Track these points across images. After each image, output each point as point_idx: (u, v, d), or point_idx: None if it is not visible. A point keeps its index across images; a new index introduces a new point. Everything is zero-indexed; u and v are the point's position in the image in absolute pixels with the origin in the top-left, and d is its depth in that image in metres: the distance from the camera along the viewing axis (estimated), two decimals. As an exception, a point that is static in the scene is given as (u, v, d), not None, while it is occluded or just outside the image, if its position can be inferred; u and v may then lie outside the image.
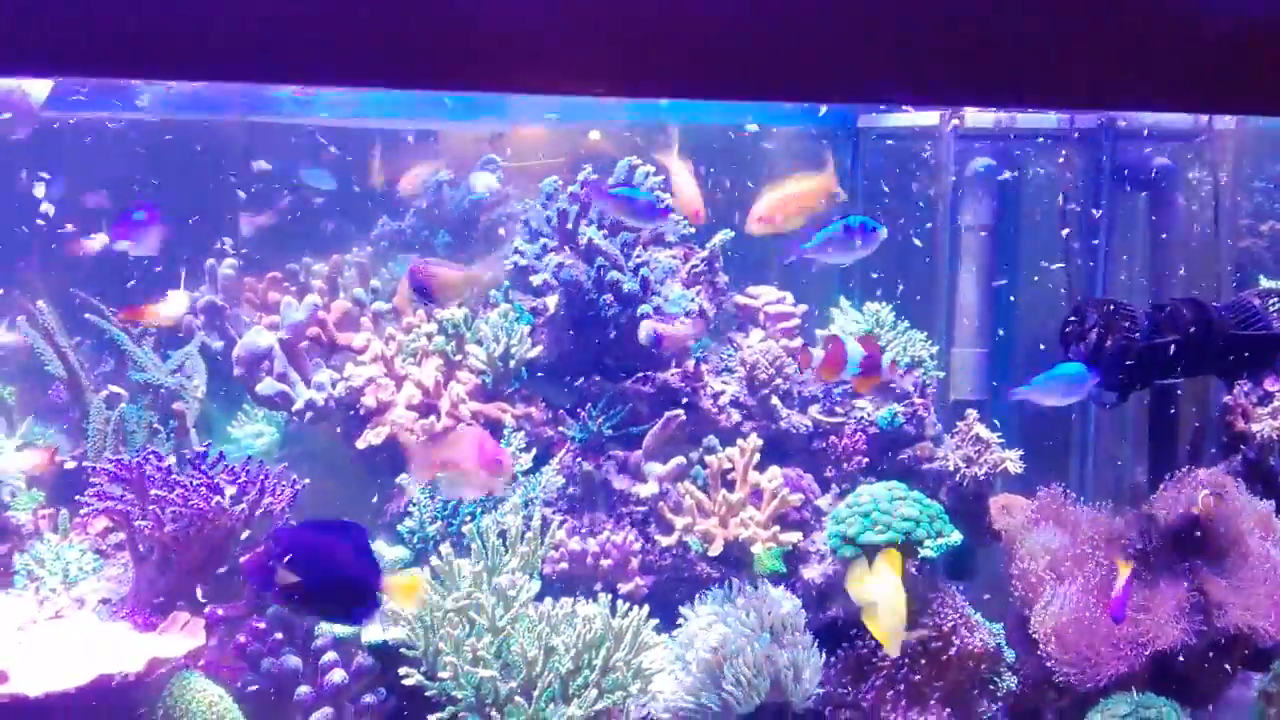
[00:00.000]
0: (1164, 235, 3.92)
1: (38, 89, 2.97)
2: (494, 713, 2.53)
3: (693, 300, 3.40)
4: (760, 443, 3.14)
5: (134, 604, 2.73)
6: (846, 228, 2.87)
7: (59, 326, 3.29)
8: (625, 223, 3.22)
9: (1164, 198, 3.93)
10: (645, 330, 3.18)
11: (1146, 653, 2.91)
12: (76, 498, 2.80)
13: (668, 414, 3.23)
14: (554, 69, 1.57)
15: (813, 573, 3.19)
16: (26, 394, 3.61)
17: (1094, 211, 3.76)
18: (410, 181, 4.22)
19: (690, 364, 3.38)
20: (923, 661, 2.98)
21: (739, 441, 3.14)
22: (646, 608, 2.67)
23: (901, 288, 3.80)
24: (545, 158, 4.28)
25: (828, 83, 1.68)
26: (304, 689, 2.69)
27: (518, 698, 2.53)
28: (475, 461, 2.39)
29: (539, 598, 2.69)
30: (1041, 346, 3.58)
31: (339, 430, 3.29)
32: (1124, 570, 2.84)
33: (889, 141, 4.06)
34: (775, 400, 3.42)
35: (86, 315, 3.38)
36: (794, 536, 3.10)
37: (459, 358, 3.35)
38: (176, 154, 3.93)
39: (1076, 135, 3.79)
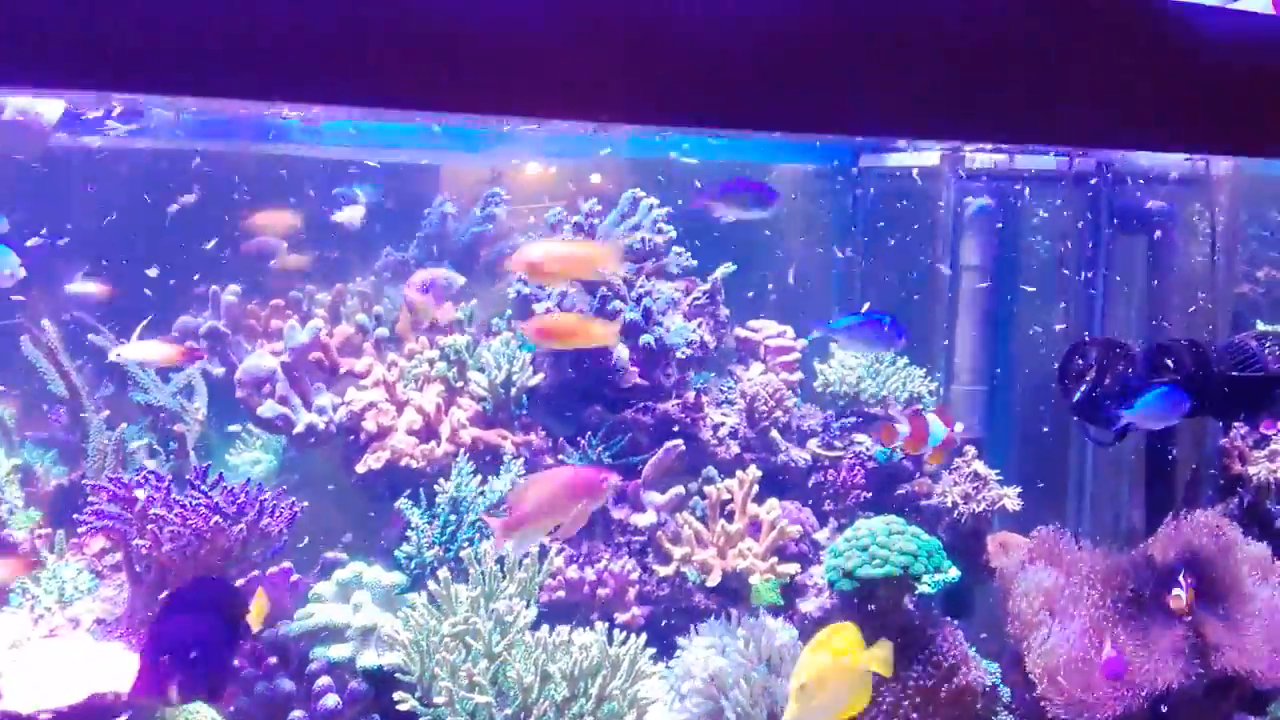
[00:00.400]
0: (1161, 277, 3.96)
1: (50, 110, 3.00)
2: (489, 739, 2.51)
3: (694, 332, 3.42)
4: (759, 474, 3.15)
5: (129, 624, 2.72)
6: (871, 321, 3.04)
7: (61, 346, 3.30)
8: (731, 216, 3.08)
9: (1161, 240, 3.97)
10: None
11: (1143, 695, 2.90)
12: (75, 516, 2.80)
13: (667, 444, 3.24)
14: (557, 93, 1.58)
15: (810, 606, 3.18)
16: (25, 417, 3.61)
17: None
18: (267, 221, 4.07)
19: (690, 395, 3.40)
20: (919, 698, 2.96)
21: (738, 473, 3.15)
22: (644, 636, 2.66)
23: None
24: (546, 197, 4.32)
25: (830, 114, 1.71)
26: (297, 714, 2.67)
27: (513, 725, 2.51)
28: (577, 495, 2.29)
29: (535, 626, 2.68)
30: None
31: (339, 455, 3.29)
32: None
33: (890, 181, 4.11)
34: (775, 433, 3.44)
35: (89, 337, 3.39)
36: (792, 568, 3.10)
37: (460, 384, 3.37)
38: (179, 181, 3.95)
39: (1074, 177, 3.83)
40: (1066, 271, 3.56)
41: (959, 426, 3.39)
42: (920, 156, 3.92)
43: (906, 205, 4.01)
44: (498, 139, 4.22)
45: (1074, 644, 2.98)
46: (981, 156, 3.84)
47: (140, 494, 2.66)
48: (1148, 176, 3.95)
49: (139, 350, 3.13)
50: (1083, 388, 3.00)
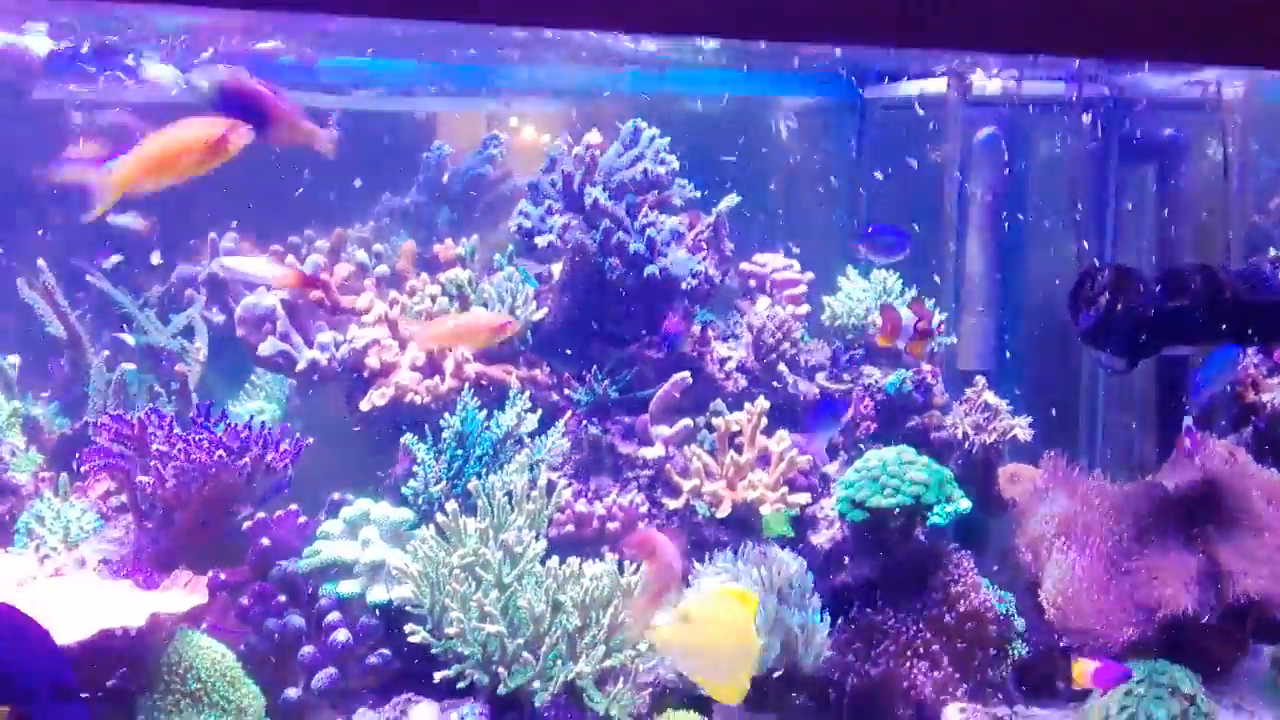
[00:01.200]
0: (1171, 205, 3.90)
1: (38, 45, 2.94)
2: (501, 669, 2.49)
3: (699, 264, 3.37)
4: (767, 405, 3.11)
5: (136, 562, 2.70)
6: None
7: (57, 287, 3.26)
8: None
9: (1172, 168, 3.91)
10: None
11: (1157, 619, 2.88)
12: (77, 456, 2.76)
13: (674, 378, 3.20)
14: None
15: (820, 539, 3.16)
16: (26, 367, 3.56)
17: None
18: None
19: (697, 328, 3.36)
20: (932, 627, 2.95)
21: (746, 405, 3.11)
22: (654, 566, 2.63)
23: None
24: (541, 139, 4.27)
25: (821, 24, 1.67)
26: (308, 648, 2.67)
27: (525, 654, 2.49)
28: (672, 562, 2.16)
29: (544, 559, 2.66)
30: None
31: (343, 395, 3.26)
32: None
33: (895, 111, 4.04)
34: (782, 366, 3.40)
35: (88, 278, 3.35)
36: (802, 498, 3.07)
37: (463, 319, 3.32)
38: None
39: (1084, 104, 3.76)
40: (1077, 199, 3.50)
41: (939, 315, 3.38)
42: (925, 84, 3.85)
43: (912, 135, 3.94)
44: (496, 77, 4.16)
45: (1087, 571, 2.96)
46: (988, 83, 3.77)
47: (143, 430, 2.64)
48: (1158, 102, 3.88)
49: (246, 265, 3.03)
50: (1094, 315, 2.95)
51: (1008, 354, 3.94)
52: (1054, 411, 3.75)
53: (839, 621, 2.93)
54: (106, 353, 3.25)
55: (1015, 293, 3.97)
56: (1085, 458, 3.77)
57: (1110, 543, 3.01)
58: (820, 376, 3.49)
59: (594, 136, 3.39)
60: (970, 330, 3.88)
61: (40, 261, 3.25)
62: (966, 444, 3.38)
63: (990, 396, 3.39)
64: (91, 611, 2.41)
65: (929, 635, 2.93)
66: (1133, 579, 2.97)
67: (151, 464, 2.63)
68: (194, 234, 3.80)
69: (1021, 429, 3.38)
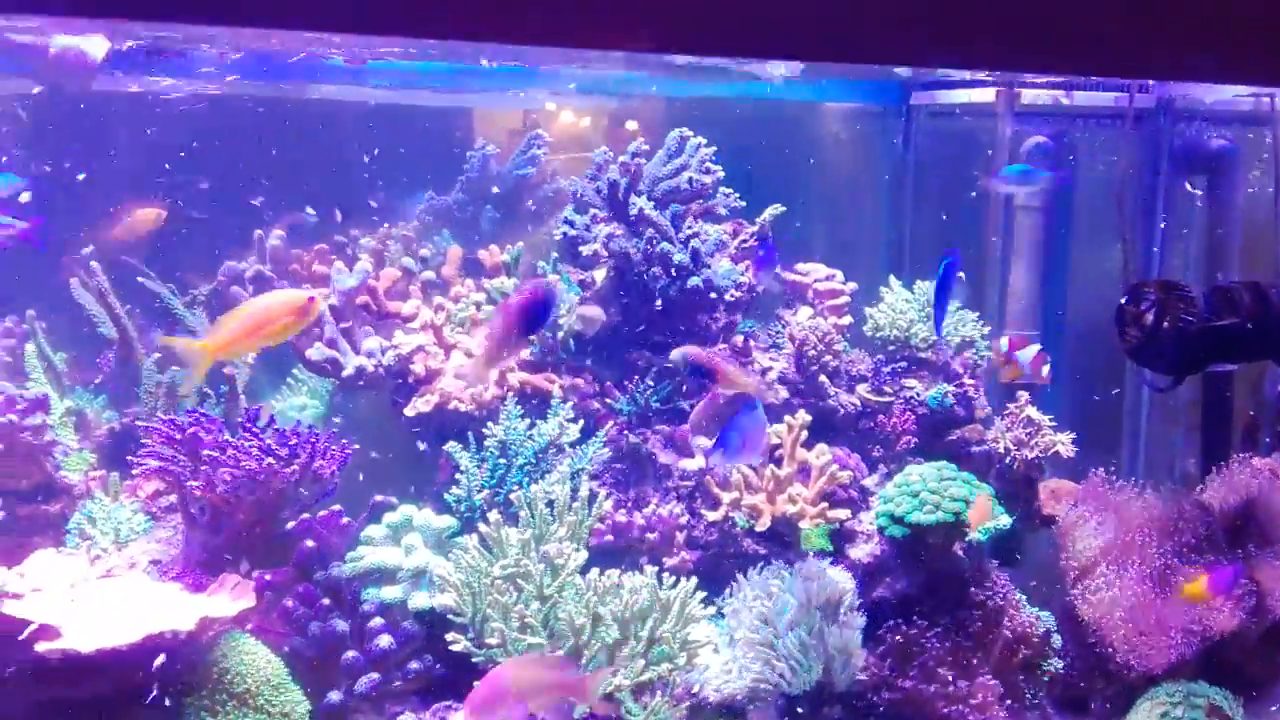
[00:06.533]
0: (1222, 218, 3.86)
1: (95, 47, 2.98)
2: (541, 680, 2.52)
3: (742, 274, 3.38)
4: (808, 419, 3.11)
5: (185, 565, 2.75)
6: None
7: (110, 288, 3.31)
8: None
9: (1222, 180, 3.86)
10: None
11: (1198, 640, 2.87)
12: (129, 459, 2.82)
13: (715, 389, 3.21)
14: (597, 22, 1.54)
15: (859, 552, 3.16)
16: (75, 362, 3.63)
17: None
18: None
19: (739, 339, 3.36)
20: (970, 644, 2.95)
21: (787, 418, 3.12)
22: (694, 580, 2.65)
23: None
24: (578, 137, 4.27)
25: (876, 44, 1.66)
26: (351, 653, 2.70)
27: (565, 666, 2.52)
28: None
29: (585, 569, 2.68)
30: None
31: (387, 399, 3.29)
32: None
33: (942, 119, 4.01)
34: (823, 378, 3.40)
35: (139, 279, 3.40)
36: (842, 514, 3.07)
37: (507, 328, 3.34)
38: (227, 126, 3.94)
39: (1134, 115, 3.72)
40: (1124, 212, 3.47)
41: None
42: (973, 93, 3.82)
43: (959, 144, 3.91)
44: (535, 79, 4.17)
45: (1129, 591, 2.95)
46: (1038, 93, 3.73)
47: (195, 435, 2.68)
48: (1210, 114, 3.83)
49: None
50: (1140, 332, 2.93)
51: (1052, 367, 3.91)
52: (1097, 426, 3.72)
53: (876, 635, 2.95)
54: (158, 354, 3.30)
55: (1060, 306, 3.95)
56: (1128, 473, 3.75)
57: (1152, 562, 3.00)
58: (862, 388, 3.49)
59: (639, 144, 3.39)
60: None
61: (94, 264, 3.30)
62: (1008, 459, 3.37)
63: (1033, 411, 3.37)
64: (142, 613, 2.46)
65: (966, 652, 2.94)
66: (1175, 599, 2.96)
67: (202, 469, 2.68)
68: (242, 231, 3.86)
69: (1064, 445, 3.36)
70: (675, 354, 2.87)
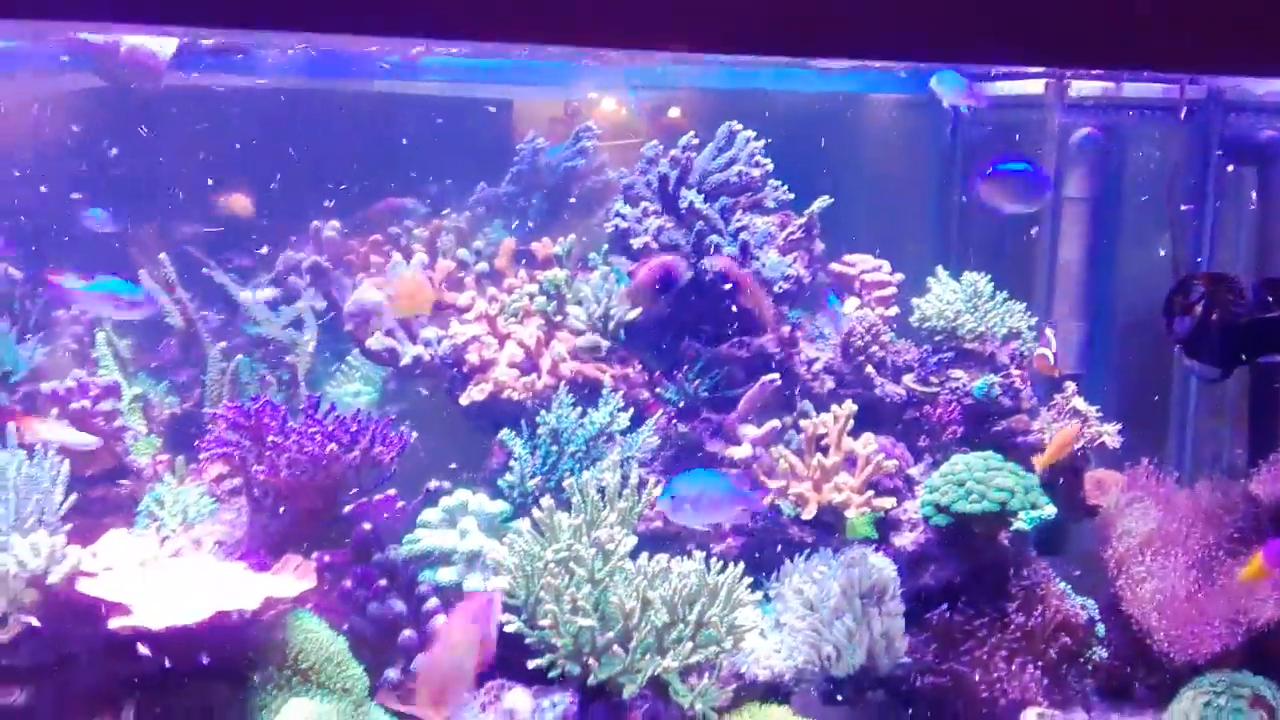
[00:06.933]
0: (1272, 209, 3.83)
1: (165, 46, 3.09)
2: (591, 661, 2.59)
3: (790, 266, 3.42)
4: (854, 408, 3.15)
5: (249, 546, 2.85)
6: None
7: (177, 279, 3.43)
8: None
9: (1273, 171, 3.83)
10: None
11: (1243, 630, 2.88)
12: (196, 444, 2.93)
13: (763, 378, 3.27)
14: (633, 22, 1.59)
15: (904, 540, 3.19)
16: (139, 348, 3.75)
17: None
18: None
19: (786, 329, 3.41)
20: (1013, 632, 2.98)
21: (833, 407, 3.16)
22: (741, 565, 2.70)
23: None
24: (623, 129, 4.32)
25: (923, 43, 1.70)
26: (408, 632, 2.78)
27: (615, 648, 2.58)
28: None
29: (634, 554, 2.74)
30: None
31: (440, 387, 3.38)
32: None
33: (990, 111, 4.01)
34: (870, 368, 3.44)
35: (204, 270, 3.52)
36: (887, 502, 3.11)
37: (560, 318, 3.43)
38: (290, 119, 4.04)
39: (1185, 106, 3.71)
40: (1174, 204, 3.47)
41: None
42: (1024, 85, 3.83)
43: (1008, 135, 3.92)
44: (578, 72, 4.23)
45: (1174, 581, 2.97)
46: (1087, 84, 3.73)
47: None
48: (1260, 105, 3.81)
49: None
50: (1188, 323, 2.94)
51: (1098, 358, 3.92)
52: (1144, 417, 3.73)
53: (920, 621, 2.99)
54: (223, 343, 3.42)
55: (1108, 297, 3.94)
56: (1174, 464, 3.75)
57: (1197, 553, 3.01)
58: (908, 378, 3.52)
59: (689, 138, 3.45)
60: (1061, 334, 3.87)
61: (162, 255, 3.42)
62: (1053, 449, 3.39)
63: (1079, 402, 3.40)
64: (209, 592, 2.54)
65: (1009, 639, 2.97)
66: (1220, 590, 2.97)
67: (266, 453, 2.78)
68: (297, 221, 3.97)
69: (1109, 436, 3.37)
70: (707, 262, 3.02)
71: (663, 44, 1.66)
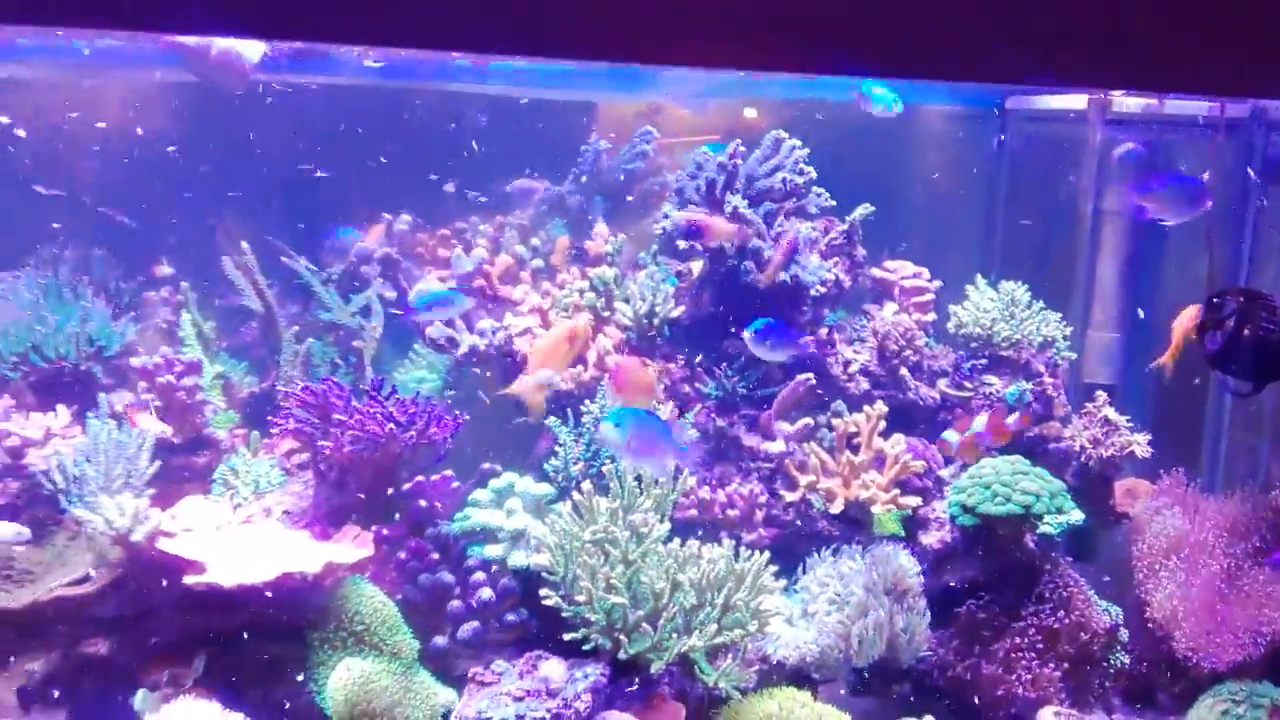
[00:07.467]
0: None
1: (251, 50, 3.33)
2: (622, 636, 2.74)
3: (829, 271, 3.55)
4: (885, 409, 3.27)
5: (313, 515, 3.07)
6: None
7: (257, 266, 3.68)
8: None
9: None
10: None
11: (1266, 641, 2.94)
12: (269, 419, 3.16)
13: (799, 377, 3.40)
14: (714, 41, 1.72)
15: (930, 539, 3.30)
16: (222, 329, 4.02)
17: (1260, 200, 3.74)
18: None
19: (823, 331, 3.54)
20: (1035, 632, 3.07)
21: (865, 408, 3.29)
22: (767, 554, 2.83)
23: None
24: (696, 133, 4.46)
25: (975, 61, 1.80)
26: (455, 603, 2.96)
27: (644, 625, 2.73)
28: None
29: (668, 539, 2.87)
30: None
31: (496, 375, 3.58)
32: None
33: (1036, 123, 4.09)
34: (904, 371, 3.55)
35: (282, 259, 3.76)
36: (914, 501, 3.22)
37: (607, 314, 3.59)
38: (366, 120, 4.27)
39: (1226, 123, 3.75)
40: (1213, 218, 3.51)
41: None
42: (1068, 99, 3.89)
43: (1051, 148, 3.98)
44: (651, 79, 4.38)
45: (1199, 591, 3.03)
46: (1129, 101, 3.78)
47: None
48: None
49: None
50: (1221, 338, 3.00)
51: (1133, 370, 3.97)
52: (1179, 429, 3.77)
53: (943, 617, 3.10)
54: (296, 327, 3.66)
55: (1145, 309, 3.99)
56: (1208, 477, 3.79)
57: (1224, 563, 3.07)
58: (942, 382, 3.63)
59: (736, 145, 3.59)
60: (1096, 344, 3.93)
61: (244, 244, 3.67)
62: (1083, 457, 3.47)
63: (1110, 412, 3.46)
64: (276, 556, 2.73)
65: (1030, 638, 3.05)
66: (1244, 600, 3.02)
67: (332, 431, 3.00)
68: (368, 214, 4.21)
69: (1140, 445, 3.43)
70: (674, 214, 3.48)
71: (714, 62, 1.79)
